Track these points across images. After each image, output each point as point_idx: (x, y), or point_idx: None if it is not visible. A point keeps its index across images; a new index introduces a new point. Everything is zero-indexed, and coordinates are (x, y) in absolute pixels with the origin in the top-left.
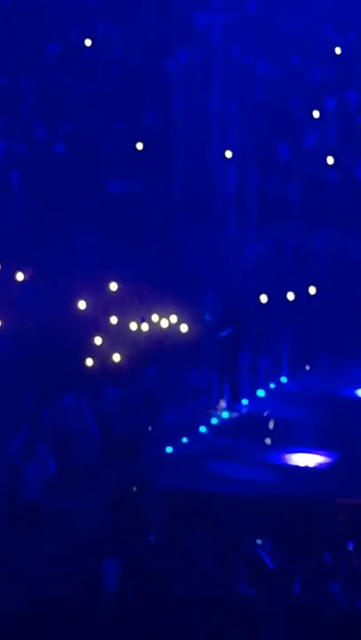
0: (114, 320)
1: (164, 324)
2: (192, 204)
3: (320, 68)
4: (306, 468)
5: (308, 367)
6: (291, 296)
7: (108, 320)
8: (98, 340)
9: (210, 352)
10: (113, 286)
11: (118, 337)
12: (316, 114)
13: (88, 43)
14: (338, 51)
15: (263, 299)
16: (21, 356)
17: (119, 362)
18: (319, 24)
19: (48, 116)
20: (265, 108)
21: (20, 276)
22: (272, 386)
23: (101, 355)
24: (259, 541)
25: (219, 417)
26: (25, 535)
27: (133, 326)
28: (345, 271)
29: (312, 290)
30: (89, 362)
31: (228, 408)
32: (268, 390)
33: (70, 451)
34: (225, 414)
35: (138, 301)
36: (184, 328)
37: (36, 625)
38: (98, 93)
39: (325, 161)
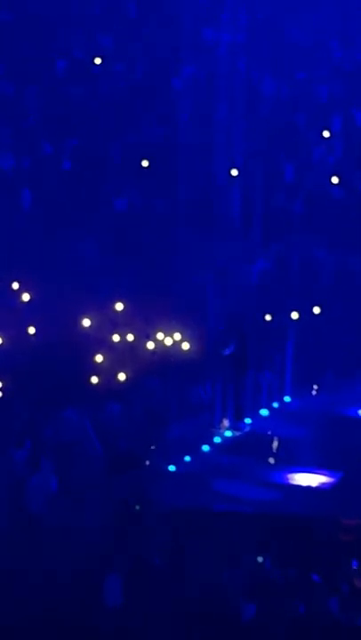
0: (117, 337)
1: (168, 341)
2: (197, 220)
3: (326, 85)
4: (309, 488)
5: (313, 386)
6: (295, 314)
7: (111, 337)
8: (101, 357)
9: (213, 370)
10: (117, 303)
11: (122, 354)
12: (322, 131)
13: (97, 61)
14: (344, 67)
15: (267, 316)
16: (25, 371)
17: (123, 378)
18: (326, 40)
19: (54, 131)
20: (270, 125)
21: (24, 293)
22: (275, 405)
23: (105, 371)
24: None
25: (222, 435)
26: (27, 549)
27: (137, 343)
28: (350, 289)
29: (316, 308)
30: (93, 378)
31: (232, 427)
32: (271, 409)
33: (73, 467)
34: (228, 433)
35: (142, 318)
36: (187, 345)
37: (35, 636)
38: (103, 109)
39: (330, 178)
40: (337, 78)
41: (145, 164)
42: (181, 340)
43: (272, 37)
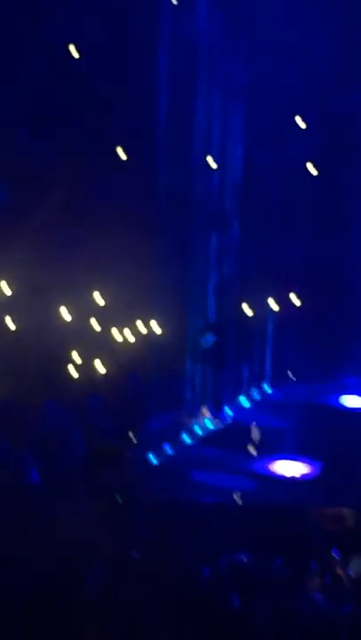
0: (98, 329)
1: (148, 333)
2: (175, 212)
3: (303, 75)
4: (290, 477)
5: (291, 376)
6: (275, 305)
7: (91, 329)
8: (81, 349)
9: (194, 361)
10: (96, 295)
11: (102, 346)
12: (299, 121)
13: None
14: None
15: (247, 307)
16: (5, 364)
17: (103, 370)
18: (303, 31)
19: (32, 120)
20: (248, 115)
21: (3, 286)
22: (256, 395)
23: (85, 363)
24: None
25: (203, 426)
26: (8, 539)
27: (117, 335)
28: (330, 280)
29: (296, 299)
30: (73, 370)
31: (212, 417)
32: (251, 399)
33: (54, 459)
34: (208, 423)
35: (121, 311)
36: (168, 338)
37: (16, 628)
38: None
39: (308, 168)
40: (314, 69)
41: (123, 155)
42: (162, 333)
43: (248, 28)
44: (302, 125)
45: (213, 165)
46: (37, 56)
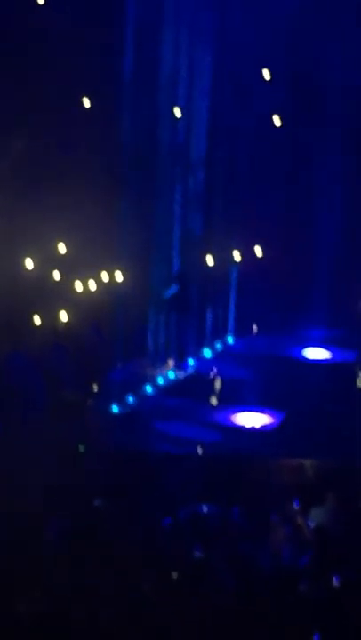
0: (60, 278)
1: (111, 282)
2: (139, 162)
3: (273, 27)
4: (251, 428)
5: (254, 327)
6: (237, 256)
7: (54, 279)
8: (43, 299)
9: (156, 311)
10: (59, 244)
11: (64, 296)
12: (266, 73)
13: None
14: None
15: (209, 258)
16: None
17: (65, 321)
18: None
19: None
20: (216, 65)
21: None
22: (218, 346)
23: (47, 314)
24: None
25: (165, 376)
26: None
27: (80, 285)
28: (293, 230)
29: (258, 249)
30: (35, 321)
31: (175, 367)
32: (214, 350)
33: (16, 410)
34: (171, 374)
35: (84, 260)
36: (132, 288)
37: None
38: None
39: (274, 122)
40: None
41: (87, 103)
42: (124, 282)
43: None
44: (267, 77)
45: (178, 114)
46: None
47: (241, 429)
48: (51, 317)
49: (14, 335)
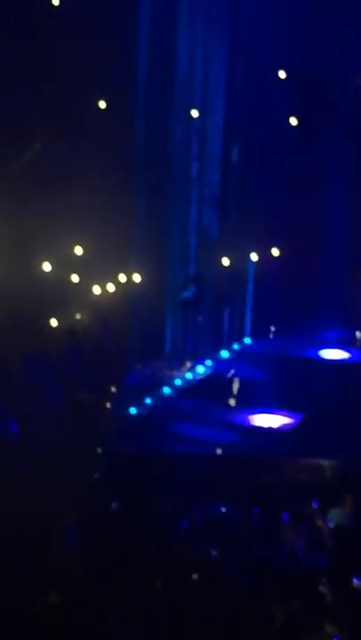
0: (77, 280)
1: (128, 284)
2: (156, 164)
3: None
4: (269, 429)
5: (272, 328)
6: (254, 257)
7: (71, 281)
8: (60, 302)
9: (174, 313)
10: (76, 247)
11: (81, 298)
12: (281, 74)
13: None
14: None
15: (226, 260)
16: None
17: (83, 323)
18: None
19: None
20: (230, 66)
21: None
22: (236, 347)
23: (65, 315)
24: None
25: (183, 378)
26: None
27: (97, 287)
28: (310, 233)
29: (275, 251)
30: (52, 323)
31: (192, 369)
32: (231, 351)
33: (34, 411)
34: (189, 375)
35: (101, 262)
36: (149, 290)
37: None
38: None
39: (289, 123)
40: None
41: (102, 105)
42: (142, 284)
43: None
44: (282, 76)
45: (195, 115)
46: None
47: (259, 430)
48: (68, 319)
49: (32, 337)
